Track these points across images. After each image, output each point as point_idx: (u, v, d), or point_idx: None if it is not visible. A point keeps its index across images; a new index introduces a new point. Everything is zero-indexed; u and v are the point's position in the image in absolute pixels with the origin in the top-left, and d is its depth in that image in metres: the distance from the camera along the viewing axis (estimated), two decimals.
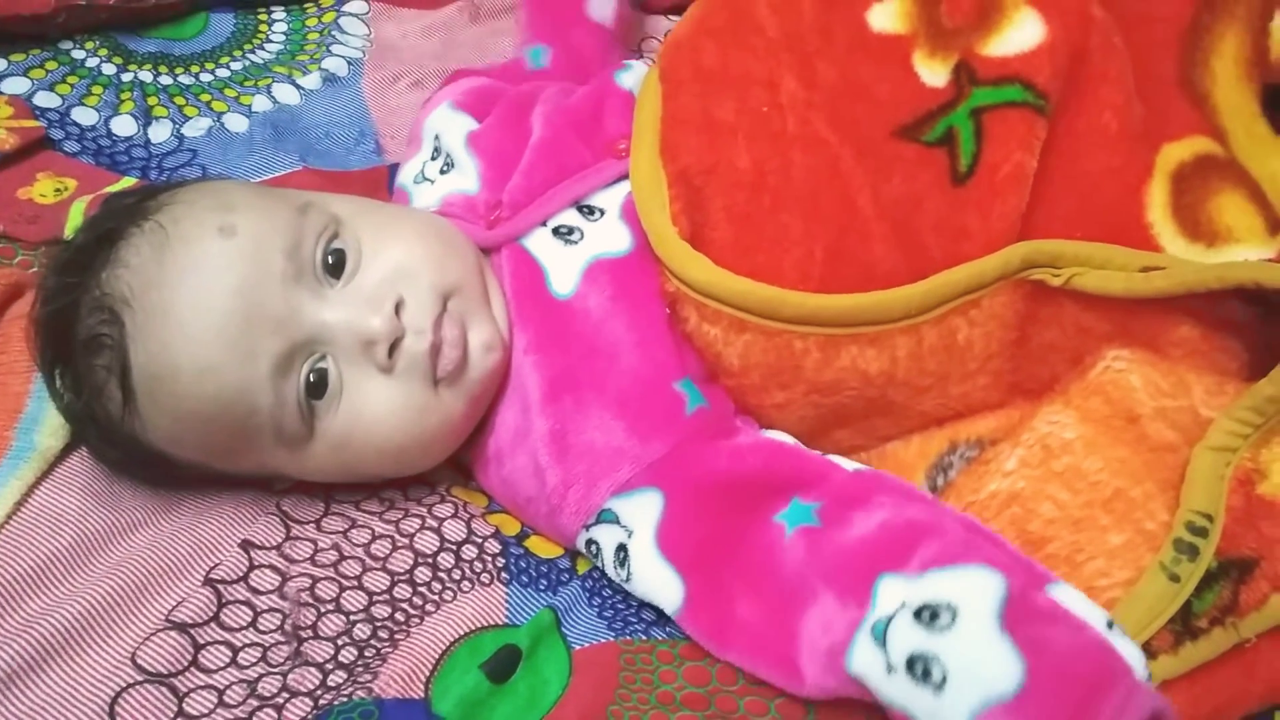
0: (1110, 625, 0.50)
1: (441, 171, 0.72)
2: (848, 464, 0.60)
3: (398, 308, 0.60)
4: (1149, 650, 0.52)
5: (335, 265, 0.61)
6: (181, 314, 0.57)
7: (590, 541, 0.61)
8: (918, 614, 0.50)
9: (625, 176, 0.65)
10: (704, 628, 0.58)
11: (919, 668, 0.49)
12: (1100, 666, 0.48)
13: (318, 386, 0.59)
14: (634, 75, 0.71)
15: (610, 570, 0.61)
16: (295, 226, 0.60)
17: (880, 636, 0.51)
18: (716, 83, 0.64)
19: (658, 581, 0.59)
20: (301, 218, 0.60)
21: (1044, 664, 0.47)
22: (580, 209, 0.66)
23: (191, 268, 0.58)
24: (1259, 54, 0.65)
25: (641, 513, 0.59)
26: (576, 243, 0.65)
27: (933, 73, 0.63)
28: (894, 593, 0.52)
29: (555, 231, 0.65)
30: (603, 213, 0.65)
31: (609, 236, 0.64)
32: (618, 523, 0.60)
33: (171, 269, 0.58)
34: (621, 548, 0.60)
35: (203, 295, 0.57)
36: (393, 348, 0.59)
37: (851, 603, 0.53)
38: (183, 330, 0.57)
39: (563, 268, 0.64)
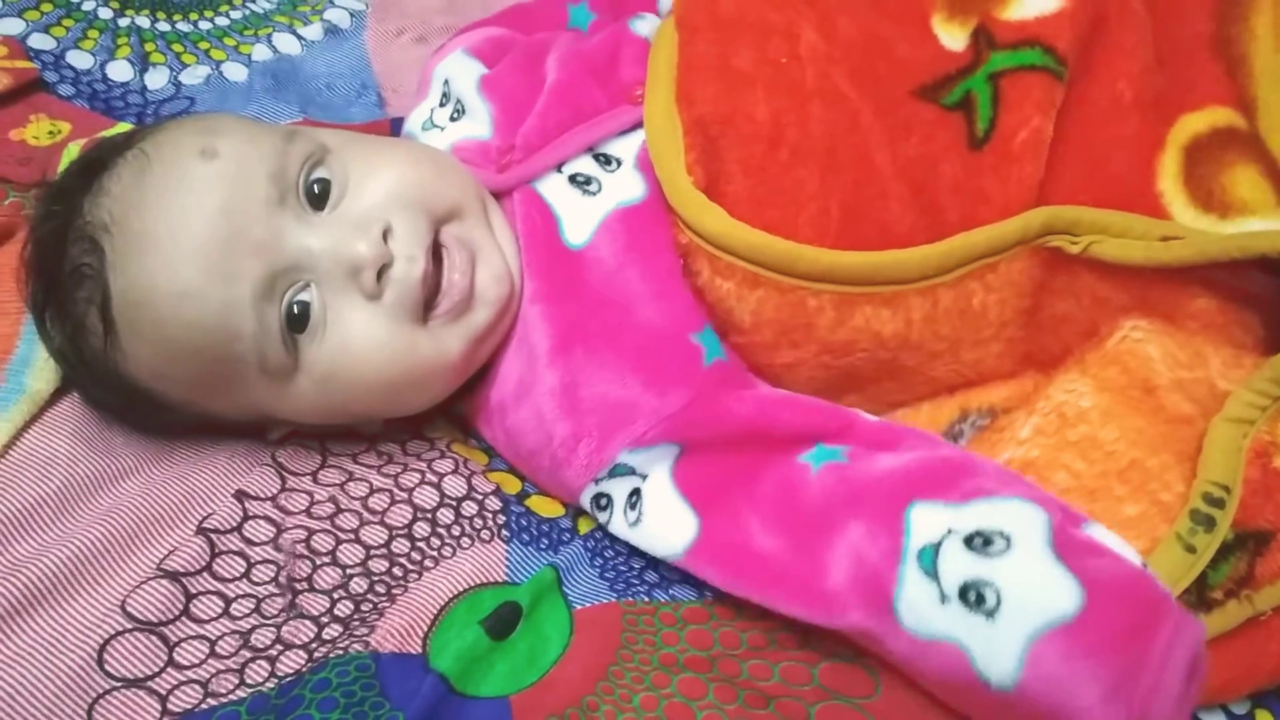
0: (1144, 566, 0.51)
1: (452, 118, 0.70)
2: (871, 417, 0.59)
3: (386, 234, 0.58)
4: None
5: (320, 195, 0.59)
6: (160, 237, 0.55)
7: (600, 495, 0.60)
8: (968, 540, 0.50)
9: (642, 124, 0.63)
10: (717, 562, 0.56)
11: (972, 595, 0.49)
12: (1151, 594, 0.49)
13: (299, 319, 0.57)
14: (650, 24, 0.70)
15: (618, 518, 0.59)
16: (280, 152, 0.58)
17: (930, 566, 0.51)
18: (734, 30, 0.62)
19: (670, 519, 0.57)
20: (287, 144, 0.59)
21: (1100, 589, 0.48)
22: (597, 158, 0.64)
23: (171, 190, 0.56)
24: None
25: (657, 461, 0.58)
26: (595, 194, 0.63)
27: (951, 36, 0.62)
28: (932, 519, 0.52)
29: (572, 179, 0.64)
30: (620, 162, 0.64)
31: (625, 186, 0.63)
32: (633, 473, 0.59)
33: (152, 193, 0.56)
34: (635, 491, 0.58)
35: (181, 217, 0.55)
36: (381, 275, 0.57)
37: (881, 530, 0.52)
38: (161, 253, 0.55)
39: (579, 217, 0.63)
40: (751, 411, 0.58)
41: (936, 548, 0.51)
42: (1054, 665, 0.47)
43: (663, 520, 0.58)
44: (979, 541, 0.50)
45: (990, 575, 0.49)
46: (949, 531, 0.51)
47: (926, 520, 0.52)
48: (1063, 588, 0.48)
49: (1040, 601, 0.48)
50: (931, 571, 0.51)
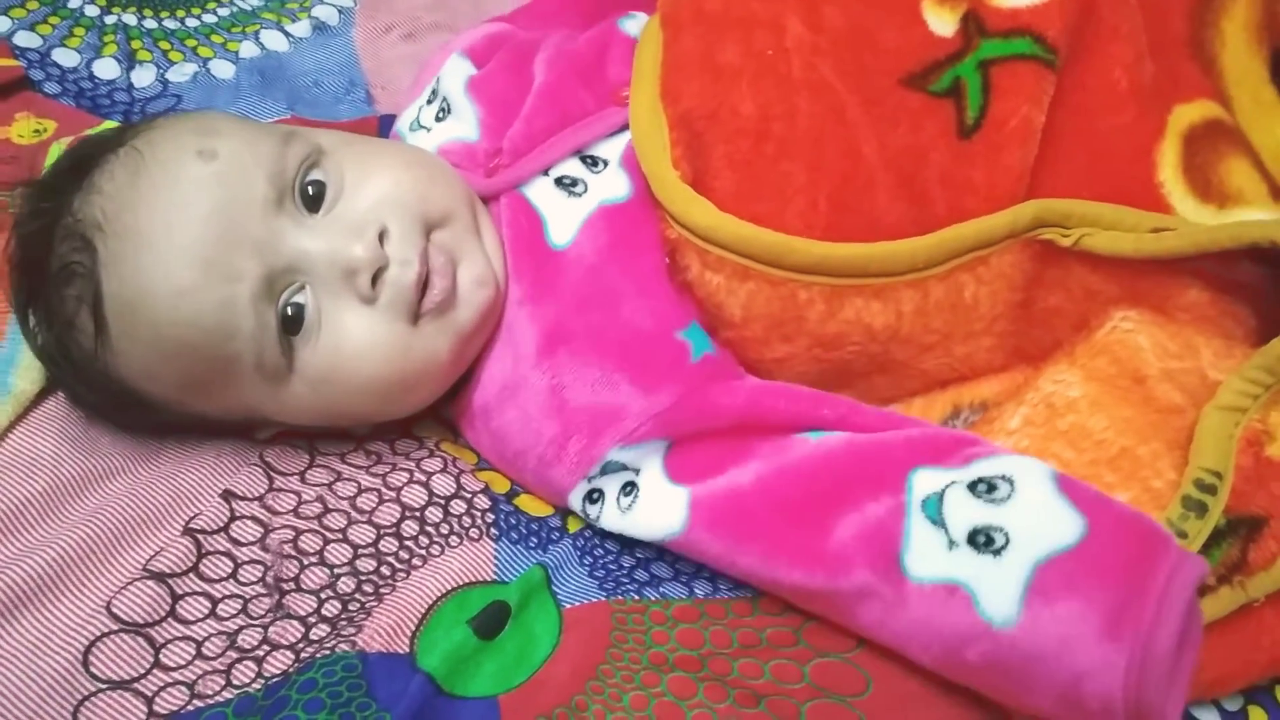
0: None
1: (437, 118, 0.69)
2: (869, 407, 0.58)
3: (381, 237, 0.58)
4: None
5: (315, 197, 0.59)
6: (155, 235, 0.55)
7: (592, 490, 0.59)
8: (973, 487, 0.51)
9: (629, 125, 0.63)
10: (716, 531, 0.56)
11: (981, 538, 0.50)
12: (1153, 532, 0.50)
13: (294, 321, 0.57)
14: (639, 23, 0.69)
15: (609, 510, 0.59)
16: (279, 154, 0.58)
17: (935, 515, 0.51)
18: (719, 25, 0.62)
19: (665, 502, 0.57)
20: (284, 146, 0.58)
21: (1102, 522, 0.50)
22: (583, 159, 0.64)
23: (167, 188, 0.56)
24: (1270, 18, 0.63)
25: (649, 455, 0.58)
26: (580, 195, 0.63)
27: (941, 21, 0.61)
28: (934, 479, 0.53)
29: (558, 182, 0.63)
30: (606, 163, 0.63)
31: (609, 186, 0.62)
32: (624, 469, 0.58)
33: (147, 191, 0.56)
34: (629, 484, 0.58)
35: (178, 216, 0.55)
36: (376, 278, 0.57)
37: (884, 491, 0.53)
38: (156, 252, 0.55)
39: (563, 218, 0.62)
40: (743, 402, 0.58)
41: (940, 496, 0.52)
42: (1055, 593, 0.48)
43: (658, 504, 0.57)
44: (983, 488, 0.51)
45: (998, 520, 0.50)
46: (951, 483, 0.52)
47: (928, 480, 0.53)
48: (1066, 519, 0.50)
49: (1044, 532, 0.49)
50: (937, 519, 0.51)
